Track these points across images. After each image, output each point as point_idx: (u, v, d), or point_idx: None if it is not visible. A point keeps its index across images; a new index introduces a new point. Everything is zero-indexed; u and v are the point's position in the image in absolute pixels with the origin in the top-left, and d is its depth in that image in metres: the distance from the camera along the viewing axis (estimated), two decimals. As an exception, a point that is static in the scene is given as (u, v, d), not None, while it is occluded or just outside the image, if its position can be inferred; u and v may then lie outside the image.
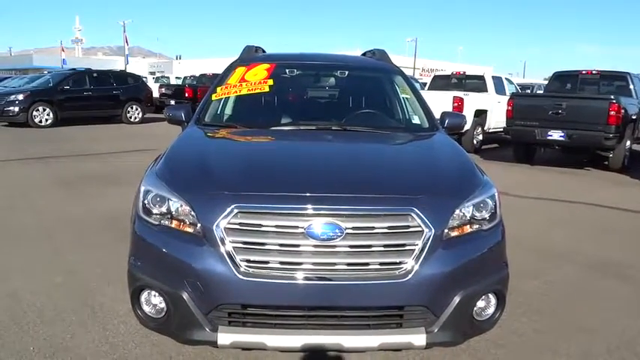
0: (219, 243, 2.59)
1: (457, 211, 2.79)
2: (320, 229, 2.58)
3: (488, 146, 15.01)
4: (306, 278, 2.57)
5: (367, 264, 2.62)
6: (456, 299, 2.68)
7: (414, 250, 2.62)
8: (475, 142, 13.74)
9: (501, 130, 14.01)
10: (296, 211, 2.60)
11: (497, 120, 14.15)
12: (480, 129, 13.91)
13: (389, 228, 2.64)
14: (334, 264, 2.60)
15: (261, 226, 2.60)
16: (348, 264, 2.61)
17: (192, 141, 3.66)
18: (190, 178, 2.93)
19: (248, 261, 2.59)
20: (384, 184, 2.89)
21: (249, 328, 2.66)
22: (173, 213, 2.77)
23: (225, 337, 2.62)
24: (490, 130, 14.40)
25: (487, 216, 2.91)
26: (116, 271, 4.38)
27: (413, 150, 3.73)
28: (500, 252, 2.95)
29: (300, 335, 2.61)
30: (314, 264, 2.60)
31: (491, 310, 2.92)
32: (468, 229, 2.82)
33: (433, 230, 2.64)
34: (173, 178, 2.94)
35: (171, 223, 2.77)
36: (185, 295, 2.63)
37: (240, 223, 2.61)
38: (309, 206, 2.61)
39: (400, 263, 2.62)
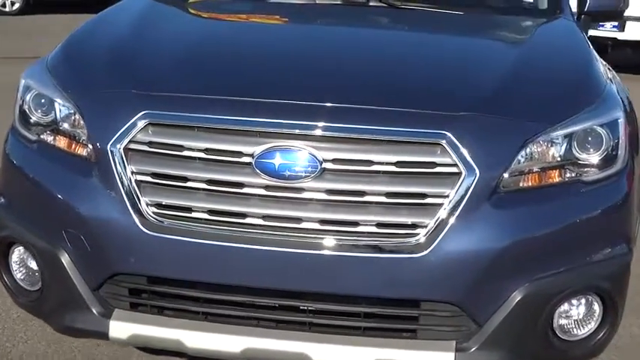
0: (115, 173, 2.53)
1: (531, 146, 2.58)
2: (279, 158, 2.46)
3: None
4: (253, 241, 2.48)
5: (356, 223, 2.50)
6: (516, 297, 2.49)
7: (440, 205, 2.46)
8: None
9: None
10: (240, 127, 2.52)
11: None
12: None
13: (398, 164, 2.48)
14: (299, 220, 2.50)
15: (182, 148, 2.52)
16: (323, 221, 2.50)
17: (124, 13, 3.56)
18: (90, 69, 2.92)
19: (159, 205, 2.54)
20: (405, 91, 2.79)
21: (160, 316, 2.63)
22: (60, 123, 2.76)
23: (120, 328, 2.58)
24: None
25: (596, 159, 2.67)
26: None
27: (497, 45, 3.54)
28: (615, 222, 2.74)
29: (242, 336, 2.55)
30: (265, 218, 2.51)
31: (591, 325, 2.68)
32: (554, 177, 2.64)
33: (478, 173, 2.45)
34: (68, 68, 2.94)
35: (55, 139, 2.77)
36: (64, 257, 2.61)
37: (150, 143, 2.54)
38: (261, 119, 2.52)
39: (414, 226, 2.46)
